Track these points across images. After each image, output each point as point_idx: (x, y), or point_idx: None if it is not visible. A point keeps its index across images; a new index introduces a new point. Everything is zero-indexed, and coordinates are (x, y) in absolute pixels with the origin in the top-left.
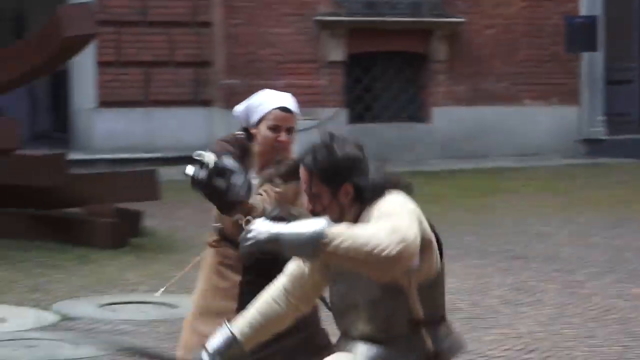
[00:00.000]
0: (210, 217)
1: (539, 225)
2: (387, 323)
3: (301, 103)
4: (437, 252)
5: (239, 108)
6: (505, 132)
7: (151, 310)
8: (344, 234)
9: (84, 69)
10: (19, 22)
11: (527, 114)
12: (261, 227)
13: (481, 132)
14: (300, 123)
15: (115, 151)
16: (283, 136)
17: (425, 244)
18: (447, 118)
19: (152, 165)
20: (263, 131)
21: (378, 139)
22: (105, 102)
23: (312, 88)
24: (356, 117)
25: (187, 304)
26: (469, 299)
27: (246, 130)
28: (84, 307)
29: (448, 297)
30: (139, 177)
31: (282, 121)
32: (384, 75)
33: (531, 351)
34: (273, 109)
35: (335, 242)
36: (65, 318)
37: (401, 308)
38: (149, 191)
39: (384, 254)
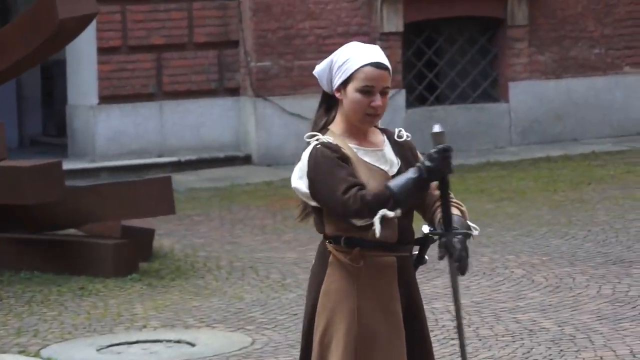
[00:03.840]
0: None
1: None
2: None
3: None
4: None
5: (320, 67)
6: (601, 109)
7: (163, 350)
8: None
9: (82, 57)
10: (3, 3)
11: (628, 86)
12: None
13: (571, 111)
14: None
15: (122, 157)
16: (377, 99)
17: None
18: (528, 95)
19: (166, 172)
20: (352, 95)
21: (444, 124)
22: (109, 97)
23: None
24: (417, 100)
25: (206, 341)
26: (556, 316)
27: (327, 96)
28: (81, 351)
29: (531, 315)
30: (151, 188)
31: (376, 81)
32: (449, 46)
33: None
34: (364, 66)
35: None
36: None
37: None
38: (163, 204)
39: None
